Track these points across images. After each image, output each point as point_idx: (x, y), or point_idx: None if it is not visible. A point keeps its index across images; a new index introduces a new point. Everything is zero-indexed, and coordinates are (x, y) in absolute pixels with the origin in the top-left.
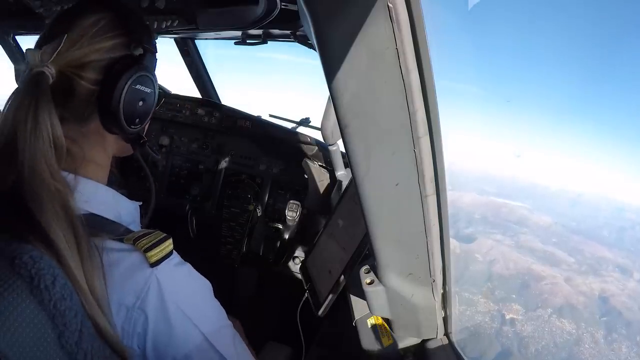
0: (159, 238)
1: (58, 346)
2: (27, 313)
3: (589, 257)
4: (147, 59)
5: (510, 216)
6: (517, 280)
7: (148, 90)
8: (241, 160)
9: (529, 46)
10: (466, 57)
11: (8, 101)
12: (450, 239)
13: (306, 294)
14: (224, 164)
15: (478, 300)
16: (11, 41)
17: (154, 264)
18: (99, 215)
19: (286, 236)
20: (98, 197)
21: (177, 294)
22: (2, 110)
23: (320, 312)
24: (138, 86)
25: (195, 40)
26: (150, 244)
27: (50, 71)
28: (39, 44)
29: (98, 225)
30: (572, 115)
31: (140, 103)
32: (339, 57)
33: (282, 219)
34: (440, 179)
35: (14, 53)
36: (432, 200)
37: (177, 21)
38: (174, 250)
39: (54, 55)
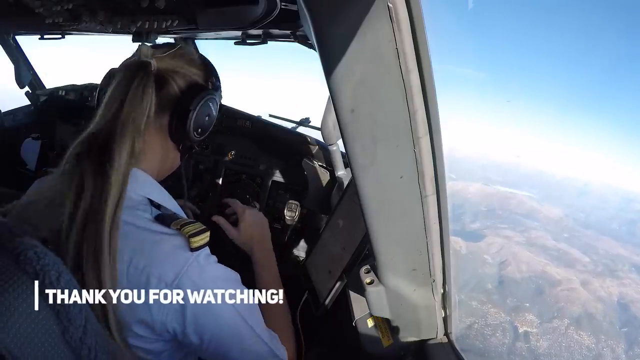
0: (201, 228)
1: (62, 342)
2: (32, 309)
3: (603, 255)
4: (217, 93)
5: (519, 208)
6: (531, 286)
7: (213, 110)
8: (241, 160)
9: (532, 36)
10: (465, 53)
11: (112, 78)
12: (457, 238)
13: (306, 294)
14: (223, 164)
15: (488, 310)
16: (11, 41)
17: (194, 249)
18: (152, 200)
19: (286, 236)
20: (151, 185)
21: (214, 276)
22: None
23: (320, 312)
24: (209, 104)
25: (195, 40)
26: (195, 231)
27: (154, 64)
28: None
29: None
30: (574, 103)
31: (207, 118)
32: (339, 57)
33: (282, 219)
34: (440, 178)
35: (14, 53)
36: (432, 200)
37: (177, 21)
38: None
39: (162, 55)
